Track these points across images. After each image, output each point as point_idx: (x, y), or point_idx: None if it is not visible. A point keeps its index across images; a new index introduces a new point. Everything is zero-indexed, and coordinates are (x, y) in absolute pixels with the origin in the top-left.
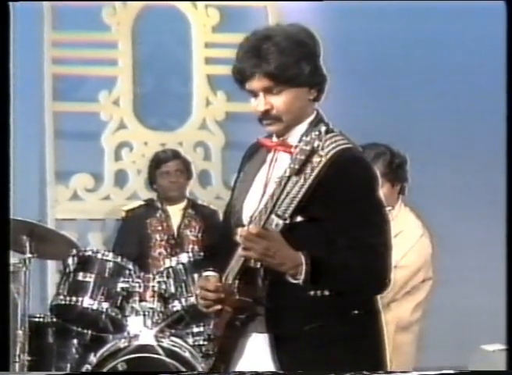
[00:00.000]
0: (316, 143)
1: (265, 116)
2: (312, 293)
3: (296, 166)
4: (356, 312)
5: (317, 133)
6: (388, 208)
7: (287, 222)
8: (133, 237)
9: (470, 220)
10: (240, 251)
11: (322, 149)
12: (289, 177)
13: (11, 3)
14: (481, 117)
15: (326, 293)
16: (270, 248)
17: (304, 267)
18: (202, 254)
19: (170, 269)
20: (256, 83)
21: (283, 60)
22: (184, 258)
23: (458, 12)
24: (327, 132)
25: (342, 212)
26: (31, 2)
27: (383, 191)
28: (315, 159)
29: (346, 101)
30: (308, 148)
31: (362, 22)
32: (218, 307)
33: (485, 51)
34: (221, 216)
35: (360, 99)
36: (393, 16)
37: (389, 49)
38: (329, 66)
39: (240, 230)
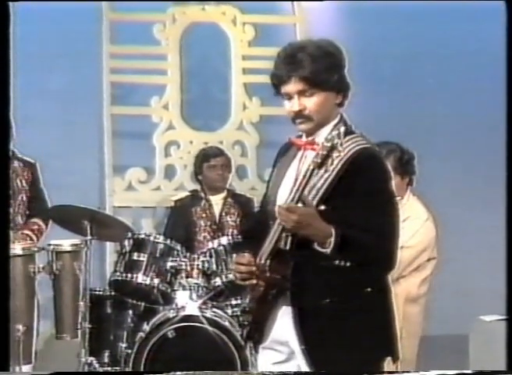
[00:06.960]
0: (336, 140)
1: (298, 115)
2: (337, 263)
3: (319, 160)
4: (369, 289)
5: (337, 132)
6: (397, 198)
7: None
8: (180, 223)
9: (471, 207)
10: (273, 230)
11: (342, 146)
12: (313, 170)
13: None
14: (482, 115)
15: (348, 264)
16: (301, 220)
17: (333, 239)
18: (240, 237)
19: (212, 250)
20: (292, 86)
21: (316, 67)
22: (224, 240)
23: (461, 13)
24: (348, 133)
25: (360, 202)
26: (91, 19)
27: (394, 183)
28: (335, 154)
29: (365, 105)
30: (329, 144)
31: (375, 25)
32: (252, 280)
33: (487, 51)
34: (255, 204)
35: (376, 103)
36: (405, 17)
37: (396, 52)
38: (350, 71)
39: (277, 207)
